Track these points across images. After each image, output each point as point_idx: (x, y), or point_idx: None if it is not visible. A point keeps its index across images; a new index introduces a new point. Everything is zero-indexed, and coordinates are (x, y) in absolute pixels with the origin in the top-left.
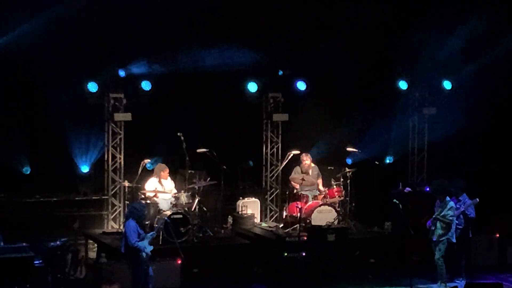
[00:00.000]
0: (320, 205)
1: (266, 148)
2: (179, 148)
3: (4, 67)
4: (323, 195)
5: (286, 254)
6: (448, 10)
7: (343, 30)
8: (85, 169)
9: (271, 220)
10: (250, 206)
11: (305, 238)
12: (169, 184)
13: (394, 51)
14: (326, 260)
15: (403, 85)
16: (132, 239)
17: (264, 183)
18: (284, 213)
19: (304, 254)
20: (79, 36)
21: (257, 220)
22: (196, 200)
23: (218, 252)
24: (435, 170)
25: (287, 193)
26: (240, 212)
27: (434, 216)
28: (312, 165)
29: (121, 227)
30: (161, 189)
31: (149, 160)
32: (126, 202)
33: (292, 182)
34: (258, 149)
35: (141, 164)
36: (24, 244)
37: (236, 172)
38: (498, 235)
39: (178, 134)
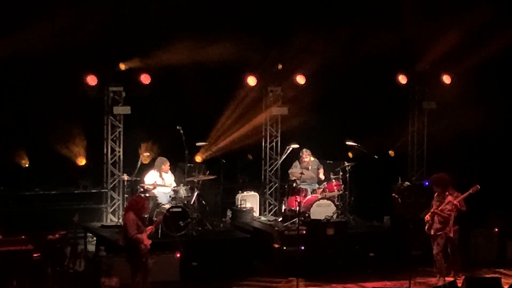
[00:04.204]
0: (319, 199)
1: (266, 142)
2: (179, 141)
3: (3, 61)
4: (322, 189)
5: (285, 248)
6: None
7: (343, 24)
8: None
9: (270, 214)
10: (249, 200)
11: (304, 232)
12: (169, 178)
13: (394, 44)
14: (325, 254)
15: (402, 79)
16: (131, 231)
17: (263, 177)
18: (283, 207)
19: (303, 248)
20: (78, 30)
21: (256, 214)
22: (195, 194)
23: (217, 246)
24: (435, 164)
25: (286, 187)
26: (239, 206)
27: (432, 211)
28: (312, 159)
29: (120, 220)
30: (162, 183)
31: (148, 154)
32: (125, 195)
33: (291, 175)
34: (257, 142)
35: (140, 158)
36: (23, 237)
37: (235, 166)
38: (497, 230)
39: (178, 127)
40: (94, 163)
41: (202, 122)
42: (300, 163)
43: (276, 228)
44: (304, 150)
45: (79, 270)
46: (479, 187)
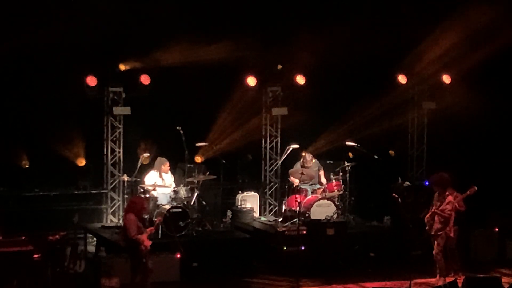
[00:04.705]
0: (319, 199)
1: (265, 142)
2: (179, 141)
3: (3, 61)
4: (322, 189)
5: (285, 248)
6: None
7: (343, 24)
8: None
9: (270, 214)
10: (249, 200)
11: (304, 232)
12: (169, 178)
13: (394, 44)
14: (325, 254)
15: (402, 79)
16: (132, 231)
17: (263, 177)
18: (283, 207)
19: (303, 248)
20: (78, 30)
21: (256, 214)
22: (195, 194)
23: (217, 246)
24: (435, 164)
25: (286, 187)
26: (239, 206)
27: (432, 210)
28: (313, 160)
29: (120, 221)
30: (162, 183)
31: (148, 154)
32: (125, 196)
33: (291, 177)
34: (257, 143)
35: (140, 158)
36: (23, 237)
37: (235, 166)
38: (497, 230)
39: (177, 128)
40: (94, 164)
41: (202, 123)
42: (301, 164)
43: (276, 229)
44: (306, 155)
45: (79, 271)
46: (476, 188)
